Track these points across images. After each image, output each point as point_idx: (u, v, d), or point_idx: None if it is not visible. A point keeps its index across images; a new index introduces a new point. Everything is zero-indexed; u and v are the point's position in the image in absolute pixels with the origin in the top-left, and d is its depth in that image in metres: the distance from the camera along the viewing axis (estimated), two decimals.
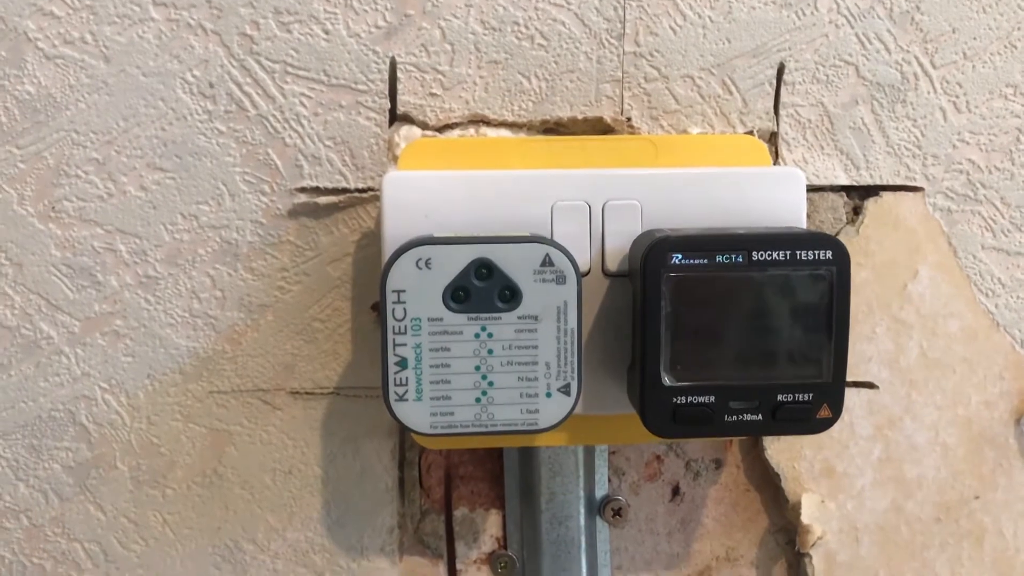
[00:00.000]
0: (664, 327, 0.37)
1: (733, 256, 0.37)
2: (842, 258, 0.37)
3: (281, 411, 0.45)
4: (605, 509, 0.47)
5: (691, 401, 0.37)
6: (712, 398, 0.37)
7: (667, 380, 0.37)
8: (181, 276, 0.44)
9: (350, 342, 0.45)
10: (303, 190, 0.44)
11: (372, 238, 0.44)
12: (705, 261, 0.37)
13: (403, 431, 0.46)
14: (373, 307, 0.45)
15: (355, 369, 0.45)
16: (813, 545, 0.47)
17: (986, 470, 0.47)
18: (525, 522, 0.47)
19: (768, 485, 0.48)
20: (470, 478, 0.47)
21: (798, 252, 0.37)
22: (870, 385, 0.46)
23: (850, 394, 0.46)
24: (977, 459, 0.47)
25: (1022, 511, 0.48)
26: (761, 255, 0.37)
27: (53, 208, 0.43)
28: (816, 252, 0.37)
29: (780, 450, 0.47)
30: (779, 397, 0.38)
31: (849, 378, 0.46)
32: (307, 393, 0.45)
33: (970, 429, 0.47)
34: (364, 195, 0.44)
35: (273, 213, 0.44)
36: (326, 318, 0.45)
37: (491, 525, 0.47)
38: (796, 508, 0.47)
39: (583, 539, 0.47)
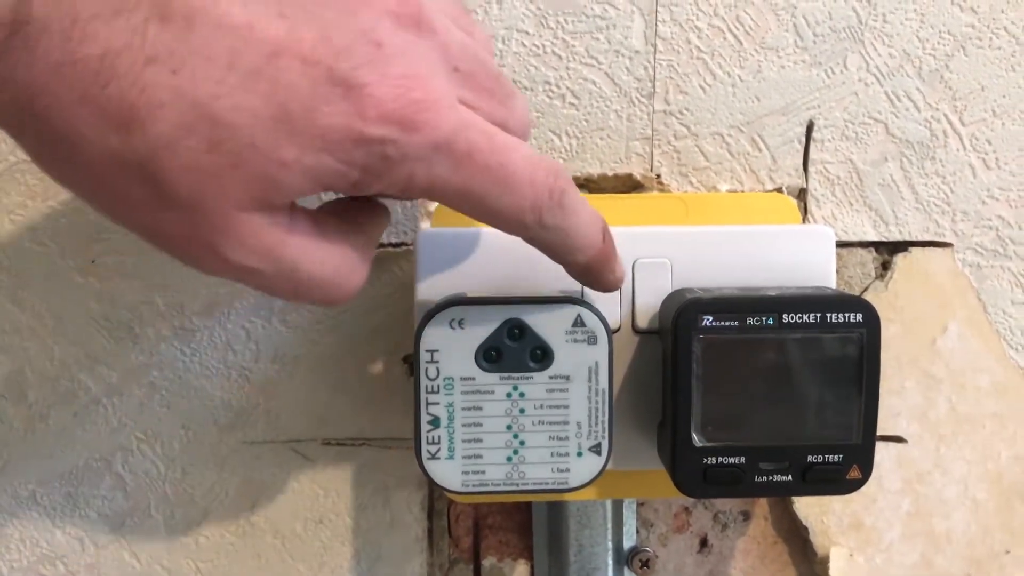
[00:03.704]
0: (695, 388, 0.37)
1: (764, 318, 0.37)
2: (872, 321, 0.37)
3: (313, 461, 0.46)
4: (633, 560, 0.47)
5: (721, 462, 0.37)
6: (742, 459, 0.37)
7: (698, 441, 0.37)
8: (216, 328, 0.45)
9: (382, 394, 0.45)
10: None
11: (405, 291, 0.45)
12: (736, 323, 0.37)
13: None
14: (405, 359, 0.45)
15: (386, 420, 0.46)
16: None
17: (1017, 524, 0.47)
18: (553, 573, 0.47)
19: (796, 538, 0.48)
20: (499, 528, 0.47)
21: (828, 315, 0.37)
22: (899, 439, 0.46)
23: (879, 448, 0.46)
24: (1007, 513, 0.47)
25: None
26: (792, 317, 0.37)
27: (93, 262, 0.44)
28: (846, 315, 0.37)
29: (808, 503, 0.47)
30: (809, 458, 0.38)
31: (878, 432, 0.46)
32: (339, 444, 0.46)
33: (1000, 484, 0.47)
34: (398, 249, 0.45)
35: None
36: (358, 370, 0.45)
37: None
38: (824, 562, 0.47)
39: None
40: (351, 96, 0.25)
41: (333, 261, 0.29)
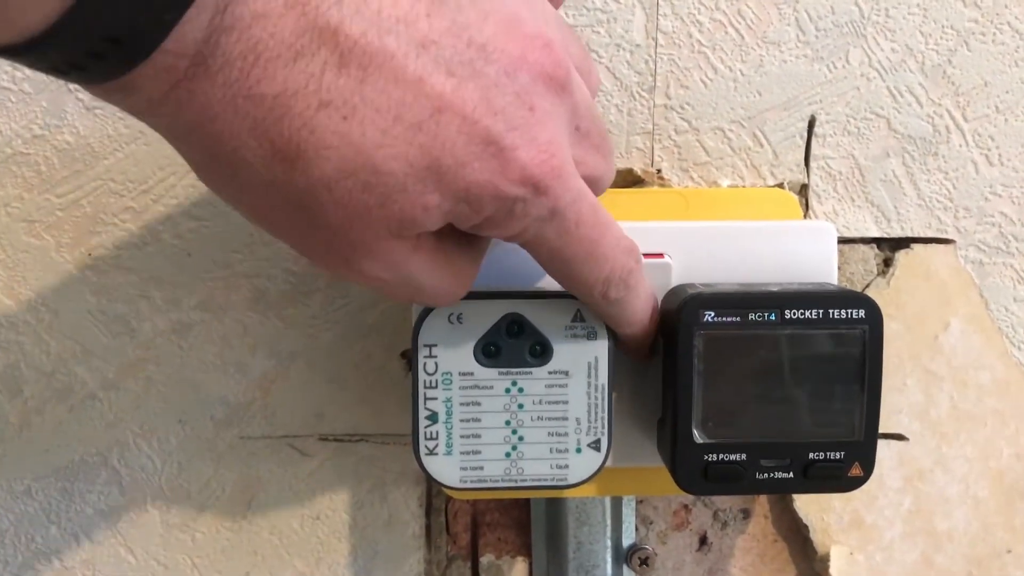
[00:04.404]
0: (695, 384, 0.37)
1: (766, 314, 0.36)
2: (875, 317, 0.37)
3: (310, 457, 0.46)
4: (632, 558, 0.47)
5: (722, 459, 0.37)
6: (743, 455, 0.37)
7: (698, 437, 0.37)
8: (214, 323, 0.44)
9: (379, 389, 0.45)
10: None
11: None
12: (737, 319, 0.36)
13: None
14: (403, 355, 0.45)
15: (384, 416, 0.45)
16: None
17: (1018, 523, 0.47)
18: (552, 570, 0.47)
19: (796, 536, 0.47)
20: (497, 525, 0.47)
21: (831, 311, 0.36)
22: (900, 437, 0.46)
23: (880, 446, 0.46)
24: (1009, 512, 0.47)
25: None
26: (794, 313, 0.36)
27: (89, 255, 0.44)
28: (849, 311, 0.36)
29: (809, 501, 0.46)
30: (810, 455, 0.37)
31: (879, 430, 0.45)
32: (336, 439, 0.45)
33: (1002, 482, 0.47)
34: None
35: (305, 261, 0.44)
36: (356, 365, 0.45)
37: (517, 573, 0.47)
38: (825, 560, 0.46)
39: None
40: (500, 156, 0.27)
41: (446, 273, 0.31)
